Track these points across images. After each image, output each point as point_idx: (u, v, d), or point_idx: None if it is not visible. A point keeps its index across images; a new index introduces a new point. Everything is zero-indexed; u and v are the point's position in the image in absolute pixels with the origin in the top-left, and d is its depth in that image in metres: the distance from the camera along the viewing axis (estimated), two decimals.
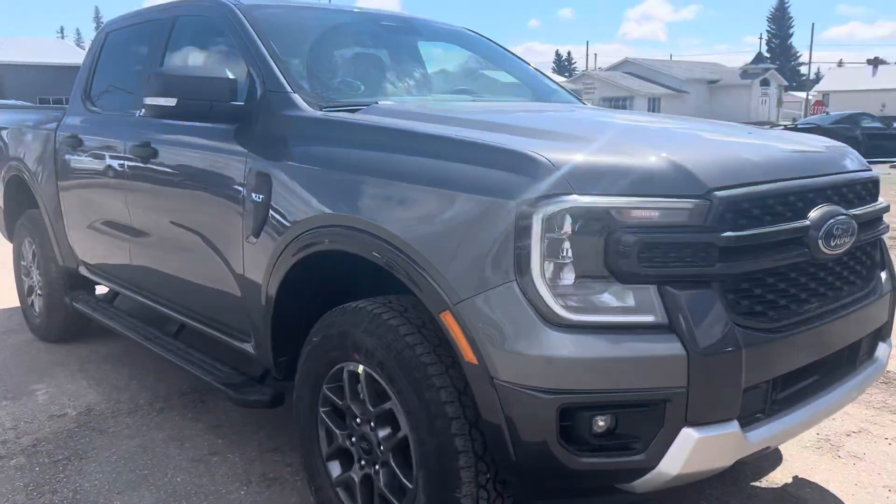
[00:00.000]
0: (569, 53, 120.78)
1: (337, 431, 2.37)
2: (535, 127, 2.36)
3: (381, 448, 2.20)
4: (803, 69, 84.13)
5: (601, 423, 1.81)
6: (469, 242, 1.88)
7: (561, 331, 1.77)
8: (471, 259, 1.87)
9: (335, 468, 2.42)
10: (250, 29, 2.94)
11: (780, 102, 54.62)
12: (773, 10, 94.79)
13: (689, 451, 1.82)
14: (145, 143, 3.28)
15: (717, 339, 1.81)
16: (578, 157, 1.87)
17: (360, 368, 2.21)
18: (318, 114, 2.58)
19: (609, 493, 1.96)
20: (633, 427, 1.82)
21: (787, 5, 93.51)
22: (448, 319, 1.90)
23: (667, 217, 1.81)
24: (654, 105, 49.58)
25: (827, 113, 31.30)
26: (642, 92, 50.85)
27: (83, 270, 4.19)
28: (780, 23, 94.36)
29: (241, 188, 2.67)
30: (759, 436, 1.93)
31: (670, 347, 1.78)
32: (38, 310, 4.68)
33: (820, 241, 2.01)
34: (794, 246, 1.98)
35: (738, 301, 1.89)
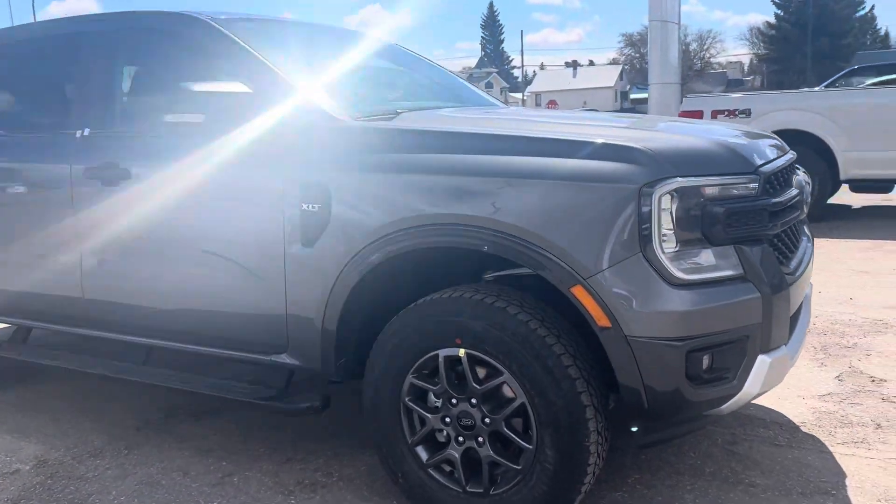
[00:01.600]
0: None
1: (428, 416, 2.56)
2: (596, 124, 2.74)
3: (487, 421, 2.44)
4: (515, 72, 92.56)
5: (706, 361, 2.26)
6: (595, 224, 2.22)
7: (680, 289, 2.19)
8: (598, 238, 2.21)
9: (423, 452, 2.60)
10: (243, 44, 2.96)
11: (506, 102, 59.74)
12: (484, 18, 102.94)
13: (764, 373, 2.34)
14: (112, 165, 3.10)
15: (777, 282, 2.35)
16: (669, 147, 2.30)
17: (462, 352, 2.44)
18: (366, 124, 2.72)
19: (699, 419, 2.43)
20: (727, 360, 2.29)
21: (496, 13, 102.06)
22: (579, 292, 2.23)
23: (737, 190, 2.31)
24: None
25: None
26: None
27: None
28: (492, 29, 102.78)
29: (276, 199, 2.71)
30: (793, 354, 2.51)
31: (750, 292, 2.28)
32: None
33: (805, 204, 2.65)
34: (797, 207, 2.59)
35: (775, 253, 2.45)
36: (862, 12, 59.78)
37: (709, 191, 2.25)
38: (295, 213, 2.69)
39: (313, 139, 2.72)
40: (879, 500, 2.67)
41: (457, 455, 2.53)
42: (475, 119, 3.09)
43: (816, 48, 48.58)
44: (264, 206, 2.76)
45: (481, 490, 2.49)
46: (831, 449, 3.08)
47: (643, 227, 2.18)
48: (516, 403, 2.38)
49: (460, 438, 2.52)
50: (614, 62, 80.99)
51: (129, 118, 3.31)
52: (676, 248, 2.22)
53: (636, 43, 71.74)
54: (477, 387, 2.44)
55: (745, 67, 77.98)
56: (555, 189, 2.28)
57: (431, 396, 2.58)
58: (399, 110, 3.00)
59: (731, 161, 2.37)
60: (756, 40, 68.15)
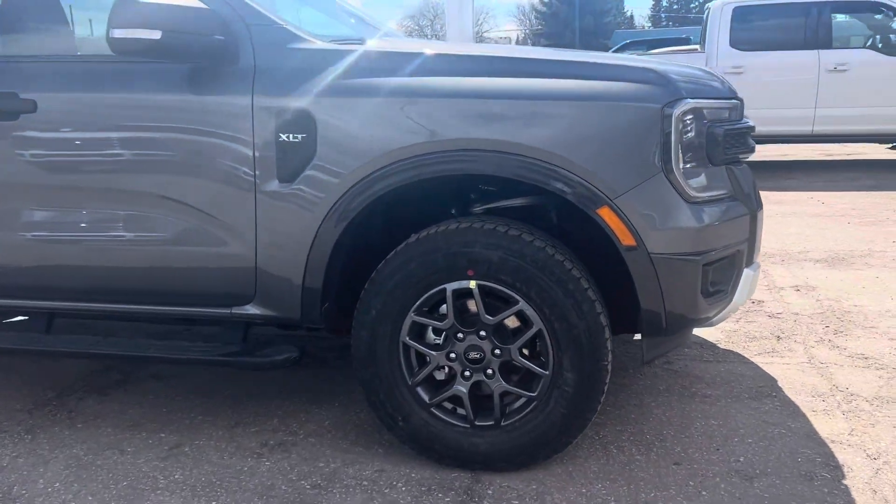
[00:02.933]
0: None
1: (432, 353, 2.46)
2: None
3: (498, 352, 2.40)
4: None
5: (711, 275, 2.39)
6: (619, 144, 2.25)
7: (695, 206, 2.30)
8: (622, 158, 2.24)
9: (424, 393, 2.50)
10: None
11: None
12: None
13: (748, 286, 2.54)
14: (10, 95, 2.59)
15: (755, 202, 2.55)
16: (677, 71, 2.38)
17: (473, 284, 2.37)
18: (352, 47, 2.51)
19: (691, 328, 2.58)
20: (725, 274, 2.45)
21: None
22: (606, 213, 2.25)
23: (727, 114, 2.46)
24: None
25: None
26: None
27: None
28: None
29: (243, 129, 2.43)
30: (757, 270, 2.73)
31: (741, 210, 2.45)
32: None
33: None
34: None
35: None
36: None
37: (710, 113, 2.37)
38: (269, 145, 2.43)
39: (288, 62, 2.47)
40: (812, 396, 3.01)
41: (464, 390, 2.46)
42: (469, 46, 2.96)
43: (583, 25, 52.60)
44: (228, 138, 2.47)
45: (492, 422, 2.45)
46: (752, 360, 3.42)
47: (665, 145, 2.25)
48: (532, 331, 2.36)
49: (467, 373, 2.46)
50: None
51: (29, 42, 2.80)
52: (688, 167, 2.31)
53: (415, 15, 73.00)
54: (489, 318, 2.39)
55: (514, 42, 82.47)
56: (580, 110, 2.27)
57: (430, 333, 2.49)
58: (362, 38, 2.81)
59: (719, 88, 2.51)
60: (524, 17, 72.38)
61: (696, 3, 71.43)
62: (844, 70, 8.27)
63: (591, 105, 2.27)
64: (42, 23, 3.06)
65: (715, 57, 8.55)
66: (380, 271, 2.45)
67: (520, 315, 2.38)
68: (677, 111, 2.25)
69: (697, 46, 13.11)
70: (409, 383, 2.50)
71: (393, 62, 2.47)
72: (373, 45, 2.65)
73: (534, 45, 70.82)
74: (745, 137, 2.51)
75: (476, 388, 2.46)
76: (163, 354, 2.68)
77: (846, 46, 8.98)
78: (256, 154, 2.44)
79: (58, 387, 3.31)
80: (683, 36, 21.07)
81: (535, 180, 2.29)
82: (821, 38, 8.40)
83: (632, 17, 70.88)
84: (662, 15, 70.96)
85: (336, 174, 2.39)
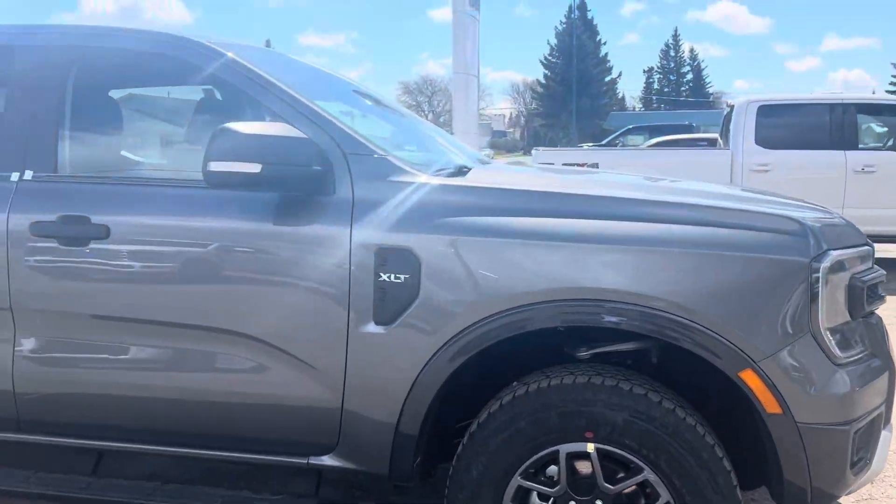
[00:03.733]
0: None
1: None
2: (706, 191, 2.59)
3: None
4: None
5: (857, 444, 2.15)
6: (763, 301, 2.03)
7: (842, 368, 2.07)
8: (767, 316, 2.03)
9: None
10: (278, 83, 2.43)
11: None
12: None
13: (886, 450, 2.29)
14: (81, 219, 2.38)
15: (890, 355, 2.33)
16: (815, 219, 2.19)
17: (592, 447, 2.12)
18: (460, 183, 2.36)
19: None
20: (866, 441, 2.20)
21: None
22: (749, 376, 2.02)
23: (863, 263, 2.26)
24: None
25: None
26: None
27: None
28: None
29: (339, 267, 2.22)
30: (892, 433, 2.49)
31: (883, 368, 2.23)
32: None
33: None
34: None
35: None
36: (609, 77, 67.30)
37: (850, 263, 2.18)
38: (366, 283, 2.21)
39: (391, 196, 2.27)
40: None
41: None
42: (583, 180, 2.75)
43: (579, 106, 53.77)
44: (319, 274, 2.25)
45: None
46: None
47: (812, 303, 2.04)
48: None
49: None
50: None
51: (97, 159, 2.61)
52: (833, 325, 2.11)
53: (412, 91, 74.19)
54: (609, 487, 2.13)
55: (506, 120, 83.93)
56: (717, 261, 2.06)
57: (535, 498, 2.22)
58: (462, 166, 2.63)
59: (856, 235, 2.32)
60: (518, 96, 73.94)
61: (686, 87, 73.48)
62: (872, 171, 8.24)
63: (728, 257, 2.07)
64: (113, 142, 2.88)
65: (741, 154, 8.51)
66: (483, 426, 2.20)
67: (642, 484, 2.12)
68: (825, 264, 2.06)
69: (709, 137, 13.22)
70: None
71: (512, 200, 2.28)
72: (474, 178, 2.47)
73: (527, 122, 71.97)
74: (878, 287, 2.31)
75: None
76: None
77: (873, 147, 8.99)
78: (351, 292, 2.22)
79: None
80: (686, 123, 21.35)
81: (673, 338, 2.06)
82: (847, 138, 8.40)
83: (623, 98, 72.65)
84: (654, 98, 72.74)
85: (442, 318, 2.17)
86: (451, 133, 17.79)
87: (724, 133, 9.40)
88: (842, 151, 8.36)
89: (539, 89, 64.59)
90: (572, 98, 51.61)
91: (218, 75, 2.47)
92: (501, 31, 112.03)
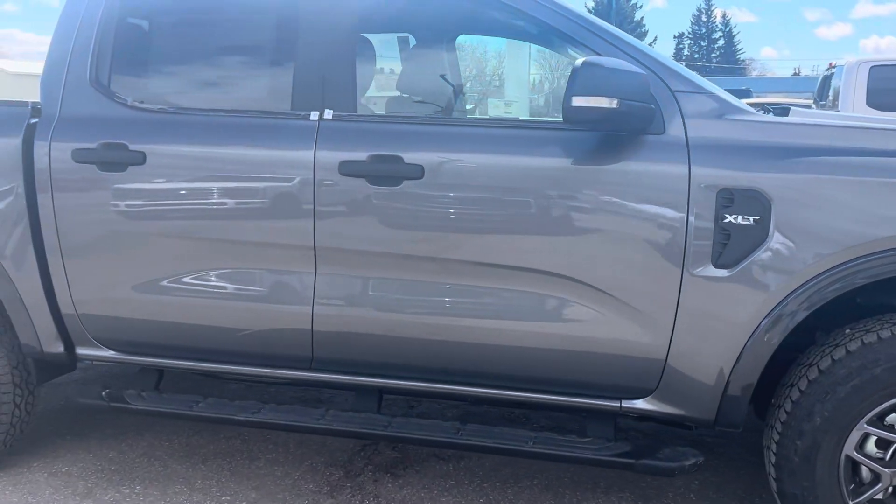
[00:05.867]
0: None
1: (885, 471, 2.15)
2: None
3: None
4: None
5: None
6: None
7: None
8: None
9: None
10: (598, 21, 2.37)
11: None
12: None
13: None
14: (394, 158, 2.34)
15: None
16: None
17: None
18: (790, 120, 2.28)
19: None
20: None
21: None
22: None
23: None
24: None
25: None
26: None
27: (96, 351, 2.69)
28: None
29: (676, 208, 2.17)
30: None
31: None
32: None
33: None
34: None
35: None
36: (645, 41, 66.06)
37: None
38: (707, 226, 2.16)
39: (734, 137, 2.21)
40: None
41: None
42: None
43: None
44: (654, 216, 2.20)
45: None
46: None
47: None
48: None
49: None
50: None
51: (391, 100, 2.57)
52: None
53: None
54: None
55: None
56: None
57: (871, 445, 2.19)
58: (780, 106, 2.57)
59: None
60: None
61: (717, 54, 72.11)
62: None
63: None
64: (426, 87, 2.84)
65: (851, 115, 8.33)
66: (827, 372, 2.15)
67: None
68: None
69: (793, 102, 12.91)
70: (846, 500, 2.19)
71: (869, 140, 2.21)
72: (808, 118, 2.41)
73: None
74: None
75: None
76: (549, 451, 2.36)
77: None
78: (689, 233, 2.17)
79: (336, 464, 3.01)
80: (744, 87, 20.92)
81: None
82: None
83: None
84: (684, 65, 71.43)
85: (794, 262, 2.11)
86: None
87: (822, 95, 9.20)
88: None
89: None
90: None
91: (537, 17, 2.40)
92: None
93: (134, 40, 2.76)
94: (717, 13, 74.37)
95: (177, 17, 2.78)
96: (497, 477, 2.91)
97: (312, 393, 3.59)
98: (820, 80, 9.47)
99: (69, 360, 2.76)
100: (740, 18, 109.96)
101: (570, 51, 2.53)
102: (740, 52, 73.07)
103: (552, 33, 2.49)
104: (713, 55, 72.29)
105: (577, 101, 2.08)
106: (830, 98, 8.98)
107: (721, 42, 72.65)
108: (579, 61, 2.11)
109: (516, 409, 3.08)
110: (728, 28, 73.00)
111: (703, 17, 72.90)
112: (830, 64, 9.50)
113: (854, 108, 8.34)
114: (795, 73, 56.75)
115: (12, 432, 2.81)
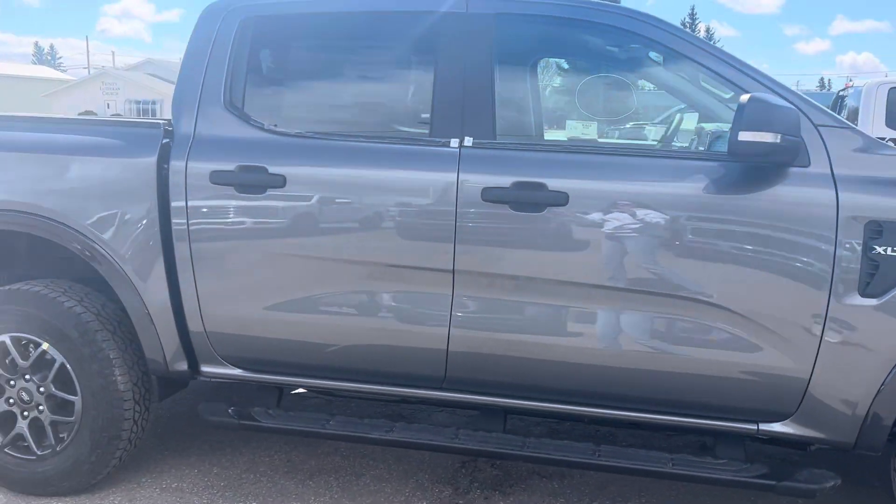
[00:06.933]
0: (52, 46, 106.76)
1: None
2: None
3: None
4: None
5: None
6: None
7: None
8: None
9: None
10: (733, 55, 2.44)
11: None
12: None
13: None
14: (537, 186, 2.40)
15: None
16: None
17: None
18: None
19: None
20: None
21: None
22: None
23: None
24: None
25: None
26: (170, 94, 48.92)
27: (222, 369, 2.70)
28: None
29: (823, 240, 2.25)
30: None
31: None
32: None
33: None
34: None
35: None
36: None
37: None
38: (854, 257, 2.24)
39: (880, 171, 2.30)
40: None
41: None
42: None
43: None
44: (801, 247, 2.28)
45: None
46: None
47: None
48: None
49: None
50: None
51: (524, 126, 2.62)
52: None
53: None
54: None
55: None
56: None
57: None
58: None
59: None
60: None
61: None
62: None
63: None
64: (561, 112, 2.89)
65: (871, 135, 8.49)
66: None
67: None
68: None
69: None
70: None
71: None
72: None
73: None
74: None
75: None
76: (691, 472, 2.42)
77: None
78: (836, 264, 2.24)
79: (441, 481, 3.04)
80: None
81: None
82: None
83: None
84: None
85: None
86: None
87: (837, 113, 9.35)
88: None
89: None
90: None
91: (670, 47, 2.47)
92: None
93: (267, 65, 2.79)
94: (701, 27, 75.27)
95: (306, 43, 2.83)
96: (605, 494, 2.96)
97: (392, 408, 3.61)
98: (832, 100, 9.65)
99: (190, 378, 2.78)
100: (722, 33, 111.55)
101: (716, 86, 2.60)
102: None
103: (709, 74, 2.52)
104: None
105: (744, 136, 2.15)
106: (844, 118, 9.15)
107: None
108: (745, 97, 2.18)
109: (626, 429, 3.11)
110: (711, 42, 73.89)
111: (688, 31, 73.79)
112: (847, 84, 9.69)
113: (873, 130, 8.51)
114: None
115: (128, 448, 2.82)
